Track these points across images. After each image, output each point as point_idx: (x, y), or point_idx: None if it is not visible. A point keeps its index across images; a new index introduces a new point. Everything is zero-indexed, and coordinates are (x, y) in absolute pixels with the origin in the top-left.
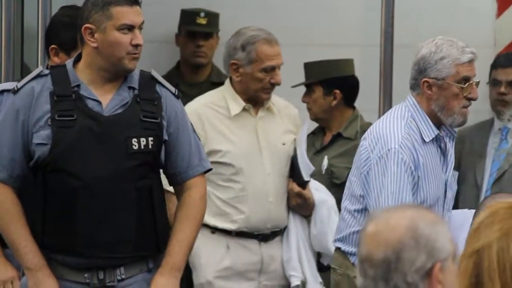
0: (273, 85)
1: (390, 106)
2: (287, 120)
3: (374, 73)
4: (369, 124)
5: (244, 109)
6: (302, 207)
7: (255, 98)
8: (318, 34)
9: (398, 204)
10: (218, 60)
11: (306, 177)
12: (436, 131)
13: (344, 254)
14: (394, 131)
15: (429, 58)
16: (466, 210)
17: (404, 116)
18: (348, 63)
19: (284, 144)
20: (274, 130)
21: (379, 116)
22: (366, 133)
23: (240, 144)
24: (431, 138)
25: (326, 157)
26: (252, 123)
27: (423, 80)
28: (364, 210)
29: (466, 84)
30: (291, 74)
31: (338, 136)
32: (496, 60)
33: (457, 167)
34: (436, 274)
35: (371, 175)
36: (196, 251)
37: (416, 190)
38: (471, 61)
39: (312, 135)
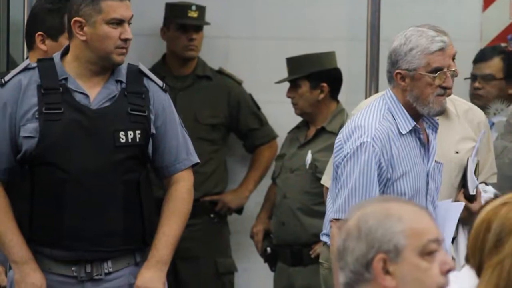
0: None
1: None
2: (468, 125)
3: (360, 67)
4: None
5: None
6: (467, 220)
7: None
8: (303, 28)
9: (363, 196)
10: (204, 54)
11: (471, 190)
12: (413, 123)
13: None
14: (368, 123)
15: (399, 50)
16: (449, 201)
17: (381, 108)
18: (331, 55)
19: (457, 152)
20: (448, 137)
21: None
22: (345, 124)
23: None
24: (407, 130)
25: (309, 152)
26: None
27: (395, 72)
28: None
29: (437, 73)
30: (277, 68)
31: (321, 130)
32: (475, 56)
33: None
34: (377, 265)
35: (340, 168)
36: None
37: (391, 182)
38: (442, 49)
39: (296, 129)
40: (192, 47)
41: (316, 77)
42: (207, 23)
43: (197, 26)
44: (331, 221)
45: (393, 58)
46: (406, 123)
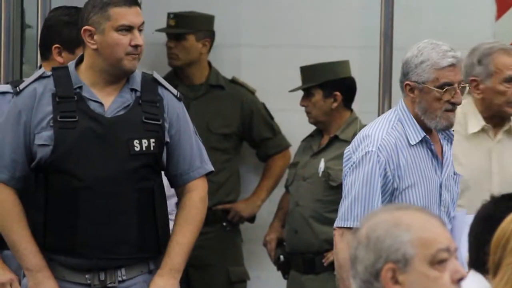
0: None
1: (389, 108)
2: None
3: (374, 75)
4: None
5: (482, 129)
6: None
7: (500, 114)
8: (316, 35)
9: (365, 205)
10: (216, 62)
11: None
12: (423, 134)
13: None
14: (376, 134)
15: (411, 61)
16: (464, 212)
17: (390, 119)
18: (345, 64)
19: None
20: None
21: None
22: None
23: (469, 167)
24: (417, 141)
25: (322, 160)
26: (488, 145)
27: (405, 83)
28: None
29: (446, 89)
30: (290, 76)
31: (334, 139)
32: None
33: None
34: (385, 275)
35: (346, 177)
36: None
37: (398, 193)
38: (452, 65)
39: (309, 138)
40: (171, 56)
41: (329, 86)
42: (188, 31)
43: (176, 34)
44: (334, 229)
45: (405, 69)
46: (416, 133)
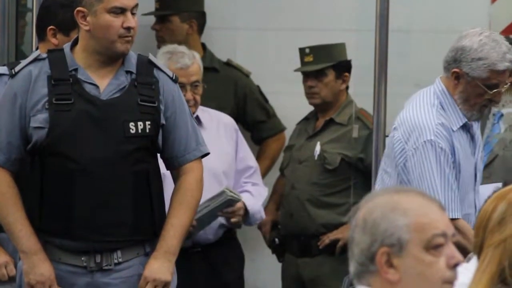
0: None
1: (385, 91)
2: None
3: (369, 58)
4: (362, 110)
5: None
6: None
7: None
8: (312, 18)
9: (447, 192)
10: (211, 45)
11: None
12: (464, 120)
13: None
14: (427, 120)
15: (467, 52)
16: (488, 185)
17: (433, 103)
18: (345, 47)
19: None
20: None
21: (374, 101)
22: (396, 122)
23: None
24: (459, 127)
25: (318, 143)
26: None
27: (454, 69)
28: None
29: (493, 91)
30: (285, 59)
31: (330, 122)
32: None
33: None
34: (380, 258)
35: (409, 167)
36: None
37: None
38: (505, 70)
39: (305, 121)
40: (159, 39)
41: (341, 66)
42: (170, 12)
43: (160, 17)
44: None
45: (458, 56)
46: (458, 119)
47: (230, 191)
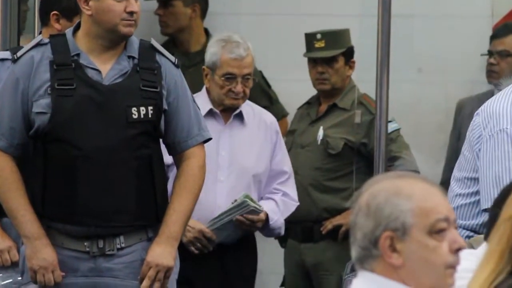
0: None
1: (387, 77)
2: None
3: (372, 43)
4: (365, 95)
5: None
6: None
7: None
8: (315, 4)
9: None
10: (215, 31)
11: None
12: None
13: None
14: (506, 109)
15: None
16: None
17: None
18: (349, 33)
19: None
20: None
21: (376, 87)
22: (480, 108)
23: None
24: None
25: (321, 128)
26: None
27: None
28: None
29: None
30: (288, 45)
31: (333, 107)
32: (494, 31)
33: (457, 137)
34: (384, 242)
35: (481, 154)
36: None
37: None
38: None
39: (307, 105)
40: (162, 24)
41: (349, 53)
42: None
43: (163, 1)
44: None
45: None
46: None
47: (252, 201)
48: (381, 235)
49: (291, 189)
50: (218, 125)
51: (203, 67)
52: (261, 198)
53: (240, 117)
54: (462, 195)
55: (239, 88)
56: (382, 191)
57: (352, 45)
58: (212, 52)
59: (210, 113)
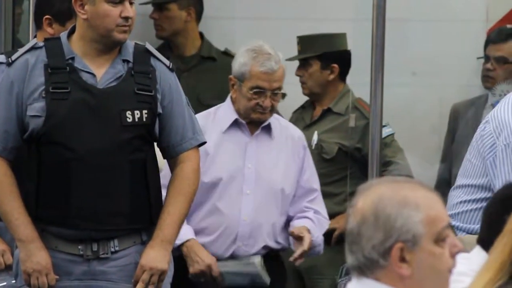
0: None
1: (382, 81)
2: None
3: (366, 47)
4: (360, 100)
5: None
6: None
7: None
8: (310, 8)
9: None
10: (209, 34)
11: None
12: None
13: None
14: None
15: None
16: None
17: None
18: (343, 37)
19: None
20: None
21: (371, 91)
22: (489, 116)
23: None
24: None
25: (316, 132)
26: None
27: None
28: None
29: None
30: (283, 49)
31: (328, 111)
32: (489, 36)
33: (451, 140)
34: (395, 254)
35: (497, 162)
36: None
37: None
38: None
39: (301, 109)
40: (157, 27)
41: (327, 57)
42: (165, 0)
43: (158, 5)
44: None
45: None
46: None
47: (262, 267)
48: (392, 247)
49: (321, 206)
50: (244, 136)
51: (230, 76)
52: (286, 214)
53: (268, 129)
54: (468, 201)
55: (267, 103)
56: (389, 201)
57: (336, 49)
58: (242, 63)
59: (235, 123)
